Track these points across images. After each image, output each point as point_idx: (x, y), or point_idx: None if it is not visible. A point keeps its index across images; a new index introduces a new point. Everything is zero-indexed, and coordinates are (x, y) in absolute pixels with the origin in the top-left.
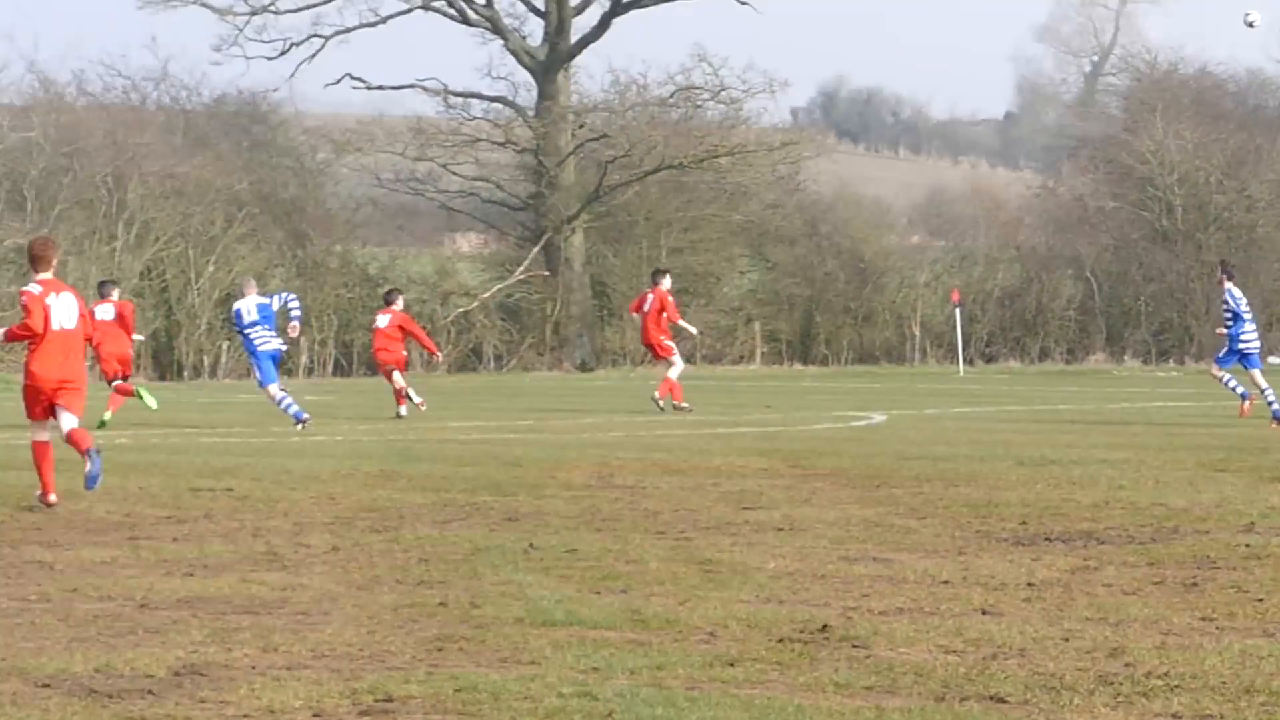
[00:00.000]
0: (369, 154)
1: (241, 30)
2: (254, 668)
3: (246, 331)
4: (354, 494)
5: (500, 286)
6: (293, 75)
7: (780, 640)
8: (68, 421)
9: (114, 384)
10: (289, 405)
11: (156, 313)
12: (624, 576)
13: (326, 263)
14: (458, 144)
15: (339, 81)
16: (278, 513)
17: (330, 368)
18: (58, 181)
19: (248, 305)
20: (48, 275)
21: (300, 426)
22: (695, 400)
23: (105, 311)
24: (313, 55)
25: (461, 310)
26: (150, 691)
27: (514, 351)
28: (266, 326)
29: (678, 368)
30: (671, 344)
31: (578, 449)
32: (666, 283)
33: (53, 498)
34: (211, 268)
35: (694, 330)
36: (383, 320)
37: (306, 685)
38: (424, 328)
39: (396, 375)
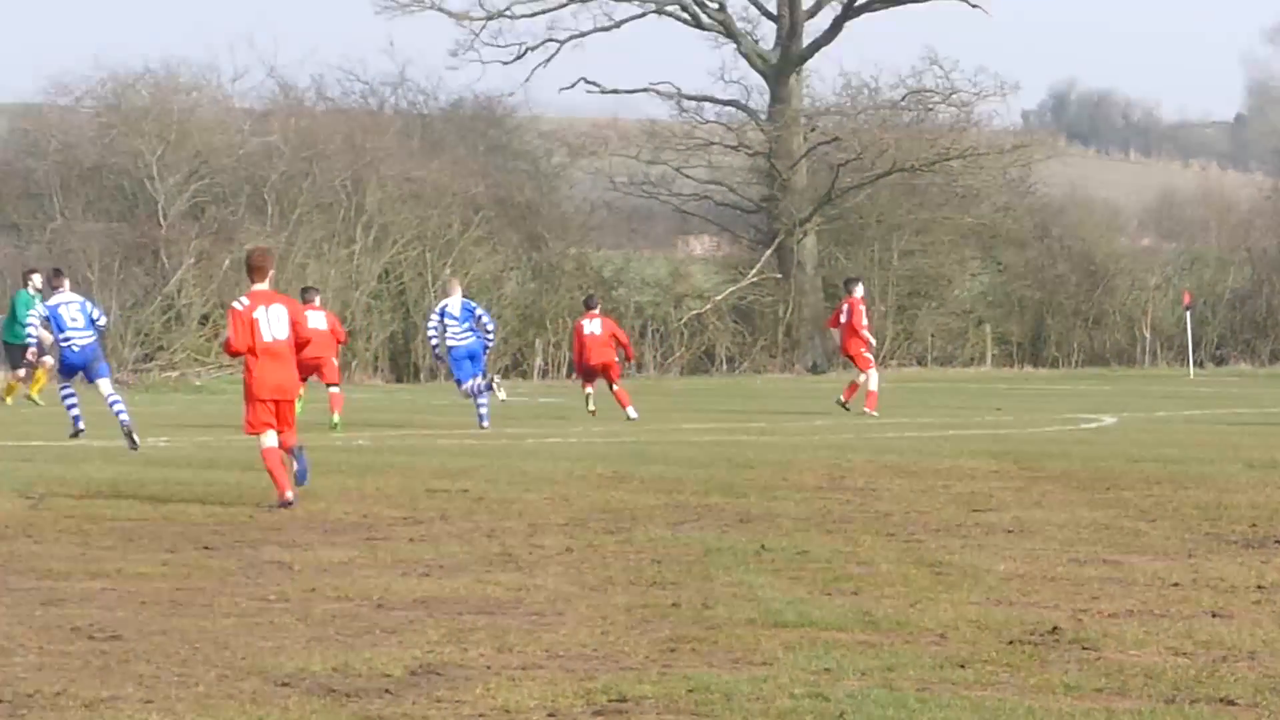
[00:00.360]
0: (603, 157)
1: (478, 35)
2: (489, 667)
3: (450, 326)
4: (588, 495)
5: (733, 289)
6: (528, 79)
7: (1010, 642)
8: (270, 440)
9: (330, 388)
10: (482, 400)
11: (394, 315)
12: (855, 578)
13: (562, 265)
14: (691, 147)
15: (574, 85)
16: (512, 514)
17: (564, 370)
18: (297, 186)
19: (454, 303)
20: (262, 286)
21: (481, 425)
22: (926, 402)
23: (316, 319)
24: (548, 59)
25: (694, 313)
26: (387, 691)
27: (746, 354)
28: (467, 325)
29: (874, 378)
30: (870, 355)
31: (809, 451)
32: (859, 290)
33: (290, 495)
34: (448, 270)
35: (872, 340)
36: (595, 326)
37: (541, 685)
38: (658, 330)
39: (598, 384)
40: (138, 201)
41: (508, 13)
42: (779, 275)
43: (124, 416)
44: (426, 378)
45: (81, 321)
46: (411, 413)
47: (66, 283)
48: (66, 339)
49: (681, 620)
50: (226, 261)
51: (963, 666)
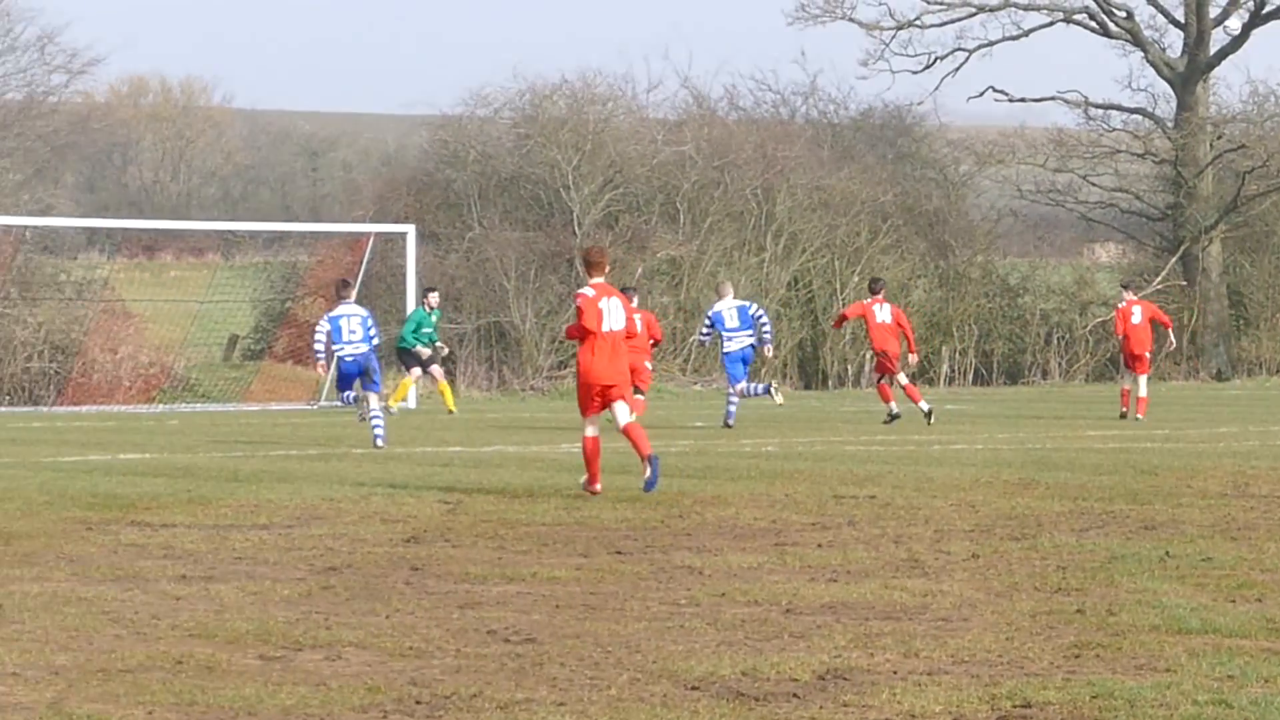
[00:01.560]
0: (1010, 166)
1: (888, 45)
2: (895, 672)
3: (725, 333)
4: (993, 502)
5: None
6: (936, 88)
7: None
8: (622, 414)
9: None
10: (735, 404)
11: (803, 323)
12: (1259, 585)
13: (968, 273)
14: (1097, 155)
15: (982, 94)
16: (919, 520)
17: (970, 377)
18: (709, 195)
19: (729, 309)
20: (600, 280)
21: (727, 423)
22: None
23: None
24: (956, 69)
25: (1099, 320)
26: (795, 695)
27: (1151, 361)
28: (745, 329)
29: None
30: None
31: (1213, 458)
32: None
33: (598, 487)
34: (856, 278)
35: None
36: (885, 314)
37: (946, 690)
38: (1063, 337)
39: (900, 377)
40: (553, 211)
41: (917, 23)
42: (1184, 283)
43: (379, 431)
44: (835, 384)
45: (359, 335)
46: (820, 419)
47: (353, 294)
48: (341, 350)
49: (1086, 626)
50: (639, 269)
51: None
